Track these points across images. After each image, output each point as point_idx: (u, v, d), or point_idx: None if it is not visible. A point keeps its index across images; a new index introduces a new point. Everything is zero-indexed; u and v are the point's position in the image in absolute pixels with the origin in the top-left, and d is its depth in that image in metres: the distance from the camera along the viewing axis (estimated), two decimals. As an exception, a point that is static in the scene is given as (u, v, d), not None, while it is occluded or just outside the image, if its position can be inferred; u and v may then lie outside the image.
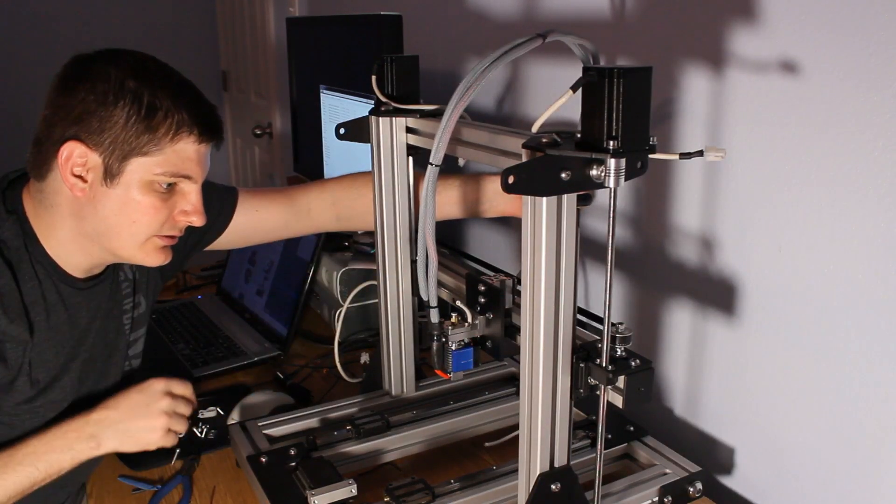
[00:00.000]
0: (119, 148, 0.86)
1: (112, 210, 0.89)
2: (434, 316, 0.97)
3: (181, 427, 0.98)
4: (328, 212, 1.16)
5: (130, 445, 0.94)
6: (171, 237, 0.95)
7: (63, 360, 0.96)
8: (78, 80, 0.87)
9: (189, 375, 1.35)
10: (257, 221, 1.14)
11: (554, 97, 0.70)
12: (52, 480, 0.90)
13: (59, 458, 0.90)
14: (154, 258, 0.94)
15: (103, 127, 0.85)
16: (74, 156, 0.86)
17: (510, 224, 1.48)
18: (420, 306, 1.07)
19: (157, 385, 0.97)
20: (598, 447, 0.80)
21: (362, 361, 1.38)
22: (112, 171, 0.87)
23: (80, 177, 0.87)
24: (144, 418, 0.94)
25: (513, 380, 1.21)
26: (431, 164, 0.86)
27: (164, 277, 1.14)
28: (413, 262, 1.06)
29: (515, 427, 0.99)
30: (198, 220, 0.94)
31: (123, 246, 0.92)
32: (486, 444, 1.07)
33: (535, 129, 0.74)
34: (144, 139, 0.86)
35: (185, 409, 0.99)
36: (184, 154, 0.89)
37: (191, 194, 0.93)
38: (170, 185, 0.90)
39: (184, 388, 0.99)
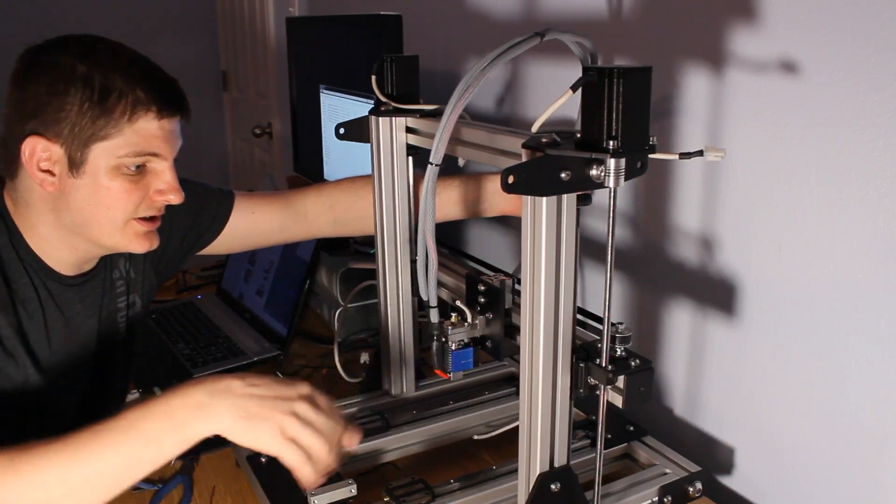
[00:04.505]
0: (78, 136, 0.84)
1: (84, 200, 0.87)
2: (434, 316, 0.97)
3: (316, 447, 0.75)
4: (325, 215, 1.16)
5: (243, 433, 0.73)
6: (152, 220, 0.92)
7: (60, 358, 0.95)
8: (29, 73, 0.85)
9: (189, 375, 1.35)
10: (254, 224, 1.14)
11: (554, 97, 0.70)
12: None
13: (161, 431, 0.71)
14: (139, 244, 0.92)
15: (59, 117, 0.83)
16: (38, 151, 0.85)
17: (510, 224, 1.48)
18: (420, 306, 1.07)
19: (302, 385, 0.78)
20: (598, 447, 0.80)
21: (362, 361, 1.37)
22: (76, 160, 0.85)
23: (47, 171, 0.86)
24: (269, 405, 0.74)
25: (513, 380, 1.21)
26: (431, 164, 0.86)
27: (161, 278, 1.13)
28: (413, 262, 1.06)
29: (509, 422, 0.99)
30: (175, 198, 0.91)
31: (104, 234, 0.90)
32: (475, 437, 1.06)
33: (534, 129, 0.74)
34: (101, 123, 0.84)
35: (326, 428, 0.76)
36: (146, 132, 0.86)
37: (164, 172, 0.90)
38: (138, 166, 0.87)
39: (329, 407, 0.79)
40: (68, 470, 0.69)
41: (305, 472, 0.75)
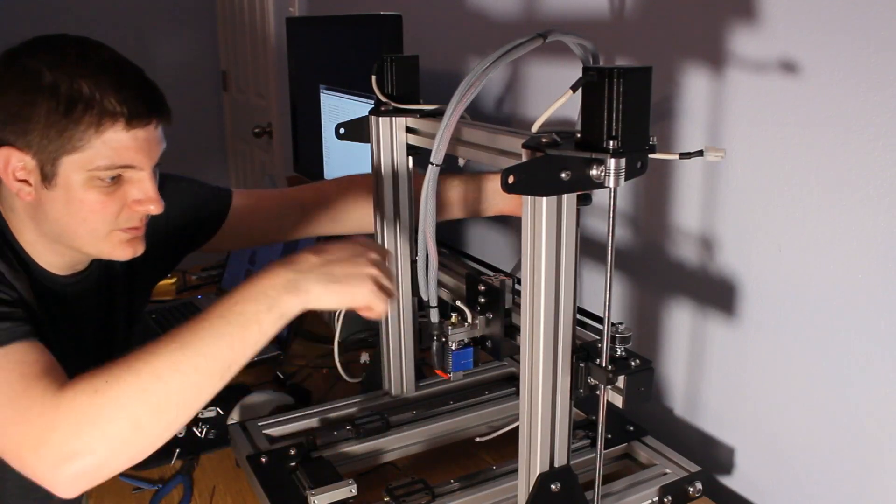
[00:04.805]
0: (47, 148, 0.81)
1: (60, 211, 0.85)
2: (434, 316, 0.97)
3: (391, 290, 0.81)
4: (324, 213, 1.15)
5: (337, 295, 0.78)
6: (135, 228, 0.90)
7: (59, 357, 0.95)
8: (2, 79, 0.82)
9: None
10: (252, 221, 1.14)
11: (554, 97, 0.70)
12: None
13: (258, 312, 0.74)
14: (122, 252, 0.90)
15: (28, 128, 0.81)
16: (13, 161, 0.82)
17: (510, 224, 1.48)
18: (420, 306, 1.07)
19: (363, 240, 0.84)
20: (598, 447, 0.80)
21: (362, 361, 1.38)
22: (47, 172, 0.82)
23: (24, 181, 0.84)
24: (351, 264, 0.79)
25: (513, 380, 1.21)
26: (432, 164, 0.86)
27: (158, 275, 1.13)
28: (413, 262, 1.06)
29: (509, 422, 0.99)
30: (154, 208, 0.88)
31: (85, 244, 0.89)
32: (477, 440, 1.06)
33: (535, 129, 0.74)
34: (68, 135, 0.80)
35: (391, 272, 0.83)
36: (116, 144, 0.82)
37: (141, 182, 0.86)
38: (114, 177, 0.84)
39: (389, 258, 0.85)
40: (182, 361, 0.72)
41: (382, 312, 0.80)
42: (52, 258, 0.93)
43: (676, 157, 0.72)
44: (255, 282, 0.76)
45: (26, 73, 0.81)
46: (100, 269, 1.01)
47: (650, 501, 0.91)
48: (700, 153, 0.71)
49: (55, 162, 0.82)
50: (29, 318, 0.84)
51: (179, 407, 0.73)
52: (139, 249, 0.92)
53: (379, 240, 1.07)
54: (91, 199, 0.84)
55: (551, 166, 0.69)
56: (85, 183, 0.83)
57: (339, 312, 1.38)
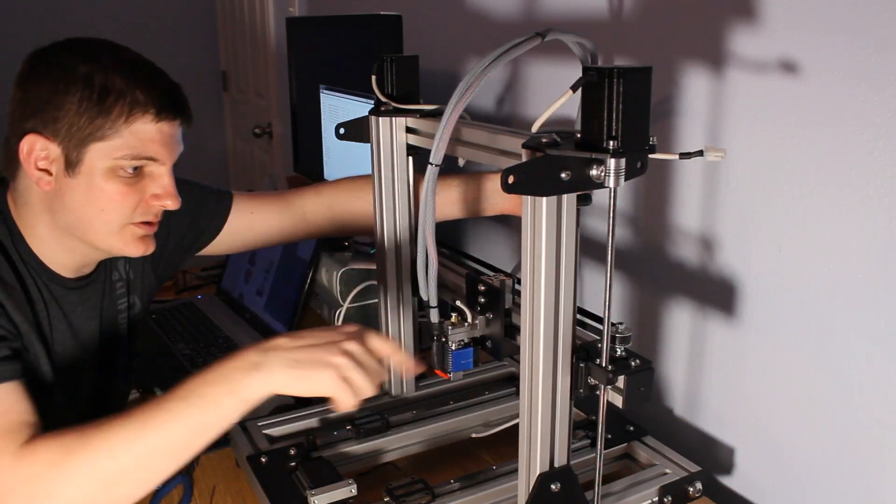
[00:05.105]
0: (75, 136, 0.84)
1: (79, 200, 0.87)
2: (434, 316, 0.97)
3: (363, 385, 0.76)
4: (324, 215, 1.15)
5: (298, 381, 0.75)
6: (149, 224, 0.92)
7: (63, 362, 0.95)
8: (33, 73, 0.86)
9: (189, 375, 1.35)
10: (252, 224, 1.14)
11: (554, 97, 0.70)
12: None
13: (219, 395, 0.74)
14: (134, 248, 0.92)
15: (57, 116, 0.83)
16: (36, 149, 0.85)
17: (510, 224, 1.48)
18: (420, 306, 1.07)
19: (350, 327, 0.81)
20: (598, 447, 0.80)
21: (362, 361, 1.37)
22: (72, 159, 0.85)
23: (45, 170, 0.86)
24: (319, 351, 0.76)
25: (513, 380, 1.21)
26: (431, 164, 0.86)
27: (160, 278, 1.13)
28: (413, 262, 1.06)
29: (506, 421, 0.99)
30: (172, 204, 0.91)
31: (99, 237, 0.90)
32: (473, 436, 1.06)
33: (534, 129, 0.74)
34: (98, 123, 0.84)
35: (375, 367, 0.79)
36: (143, 135, 0.86)
37: (161, 177, 0.89)
38: (136, 168, 0.87)
39: (382, 344, 0.81)
40: (137, 440, 0.73)
41: (349, 406, 0.77)
42: (61, 257, 0.93)
43: (676, 157, 0.72)
44: (221, 364, 0.76)
45: (61, 65, 0.85)
46: (104, 273, 1.01)
47: (650, 501, 0.91)
48: (700, 153, 0.71)
49: (81, 149, 0.84)
50: (17, 353, 0.84)
51: (133, 485, 0.74)
52: (150, 248, 0.93)
53: (379, 240, 1.07)
54: (111, 189, 0.87)
55: (551, 166, 0.69)
56: (108, 172, 0.86)
57: (339, 311, 1.38)
